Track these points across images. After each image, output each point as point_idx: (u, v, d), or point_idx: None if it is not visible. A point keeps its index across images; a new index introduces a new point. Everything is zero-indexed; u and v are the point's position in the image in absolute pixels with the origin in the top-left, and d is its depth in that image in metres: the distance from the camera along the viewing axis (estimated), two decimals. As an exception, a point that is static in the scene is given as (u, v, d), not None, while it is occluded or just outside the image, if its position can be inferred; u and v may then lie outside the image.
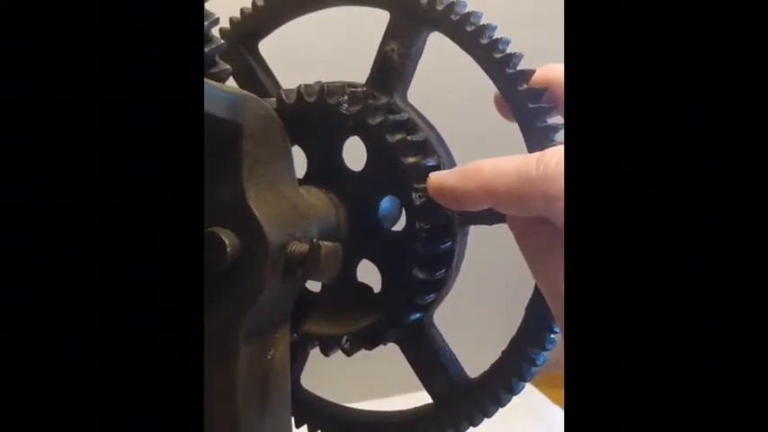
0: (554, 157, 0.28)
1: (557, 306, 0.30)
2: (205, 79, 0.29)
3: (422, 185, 0.35)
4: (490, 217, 0.35)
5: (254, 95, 0.31)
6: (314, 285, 0.39)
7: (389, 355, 0.40)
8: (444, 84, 0.57)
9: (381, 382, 0.66)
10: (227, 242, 0.30)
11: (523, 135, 0.34)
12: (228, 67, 0.35)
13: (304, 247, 0.31)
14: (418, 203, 0.35)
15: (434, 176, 0.33)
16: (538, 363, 0.35)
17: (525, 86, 0.34)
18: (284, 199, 0.32)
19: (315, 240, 0.31)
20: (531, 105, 0.34)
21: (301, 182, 0.37)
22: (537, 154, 0.29)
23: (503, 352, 0.36)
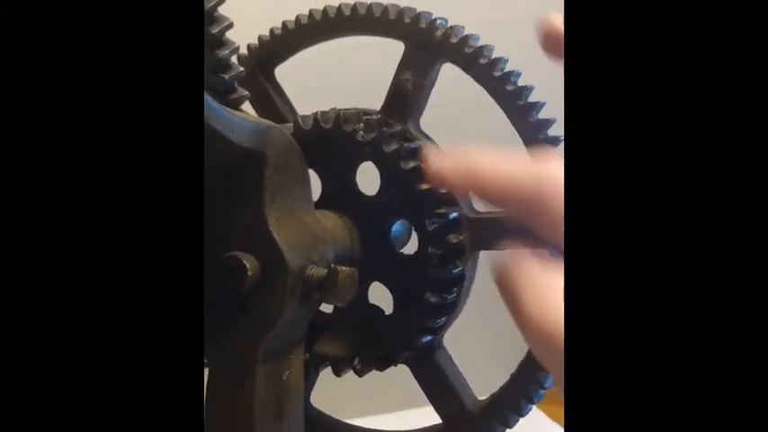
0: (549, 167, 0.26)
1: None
2: (232, 110, 0.30)
3: (435, 211, 0.36)
4: (501, 243, 0.36)
5: (277, 125, 0.32)
6: (326, 306, 0.40)
7: (398, 372, 0.40)
8: (457, 113, 0.59)
9: (389, 398, 0.66)
10: (248, 266, 0.31)
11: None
12: (246, 92, 0.36)
13: (322, 271, 0.32)
14: (431, 229, 0.36)
15: (431, 162, 0.29)
16: (546, 385, 0.36)
17: (536, 118, 0.35)
18: (303, 224, 0.33)
19: (332, 265, 0.32)
20: (541, 137, 0.35)
21: (316, 205, 0.38)
22: (537, 166, 0.26)
23: (512, 374, 0.37)
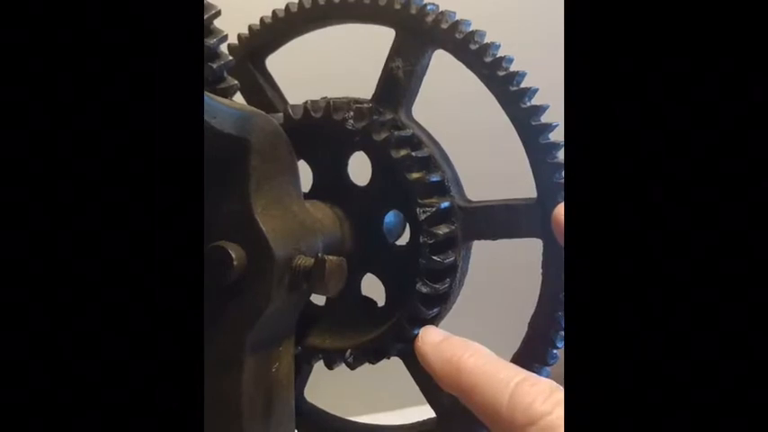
0: (524, 400, 0.27)
1: None
2: (214, 96, 0.29)
3: (426, 201, 0.35)
4: (493, 233, 0.36)
5: (262, 112, 0.32)
6: (318, 299, 0.40)
7: (393, 368, 0.40)
8: (448, 100, 0.58)
9: (385, 395, 0.66)
10: (233, 255, 0.30)
11: (526, 151, 0.35)
12: (236, 82, 0.36)
13: (309, 261, 0.32)
14: (422, 218, 0.35)
15: (422, 341, 0.33)
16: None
17: (528, 104, 0.34)
18: (290, 213, 0.33)
19: (320, 255, 0.32)
20: (533, 123, 0.34)
21: (307, 196, 0.37)
22: (512, 387, 0.28)
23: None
